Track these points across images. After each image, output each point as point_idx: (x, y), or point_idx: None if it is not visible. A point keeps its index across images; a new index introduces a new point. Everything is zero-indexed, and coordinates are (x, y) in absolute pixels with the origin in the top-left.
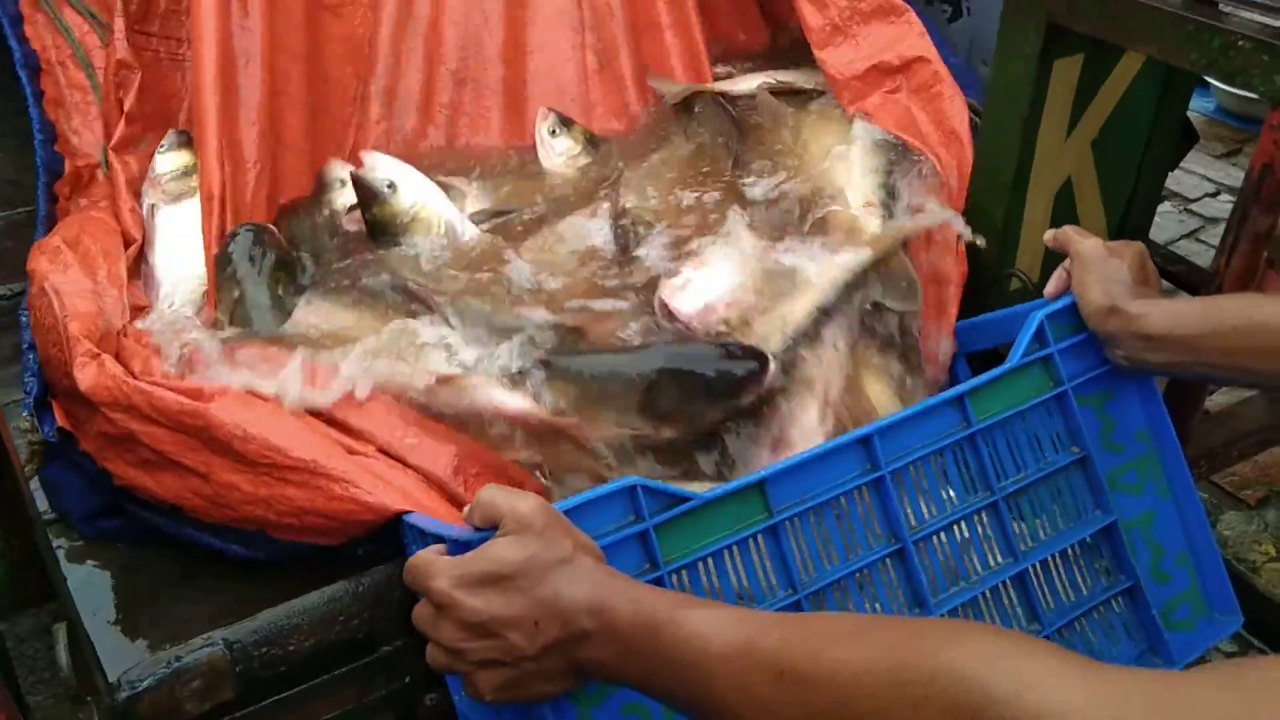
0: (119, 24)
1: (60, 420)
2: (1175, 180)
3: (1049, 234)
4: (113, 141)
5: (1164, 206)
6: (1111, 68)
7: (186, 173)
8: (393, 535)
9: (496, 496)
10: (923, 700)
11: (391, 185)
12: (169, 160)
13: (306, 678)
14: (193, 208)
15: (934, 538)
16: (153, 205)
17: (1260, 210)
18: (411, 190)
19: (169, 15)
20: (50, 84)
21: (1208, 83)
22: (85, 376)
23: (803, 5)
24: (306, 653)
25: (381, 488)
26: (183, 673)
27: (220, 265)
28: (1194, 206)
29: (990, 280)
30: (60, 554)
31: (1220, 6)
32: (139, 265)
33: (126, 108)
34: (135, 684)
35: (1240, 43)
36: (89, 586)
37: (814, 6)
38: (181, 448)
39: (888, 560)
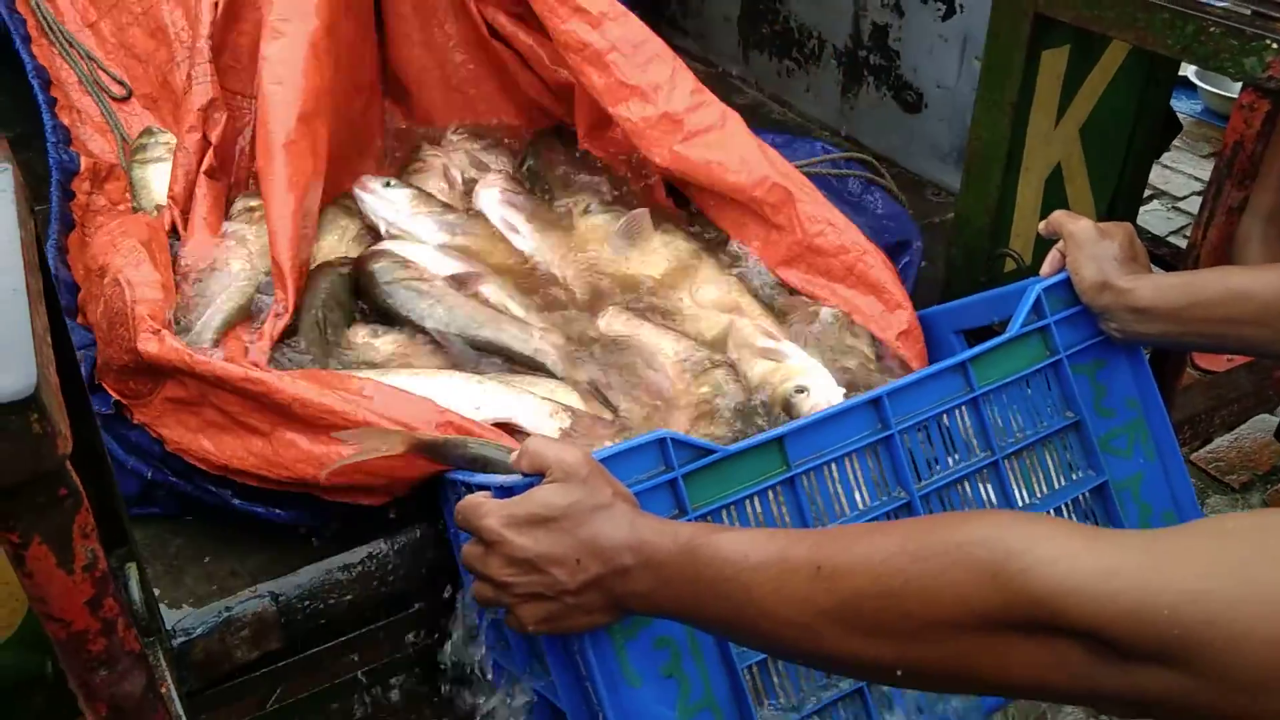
0: (209, 69)
1: (114, 395)
2: (1164, 179)
3: (1041, 224)
4: (204, 167)
5: (1153, 204)
6: (1096, 59)
7: (251, 209)
8: (427, 499)
9: (544, 446)
10: (950, 565)
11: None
12: (241, 202)
13: (344, 631)
14: (244, 246)
15: (939, 493)
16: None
17: (1232, 185)
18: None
19: (230, 72)
20: (60, 93)
21: (1195, 85)
22: (150, 347)
23: None
24: (345, 607)
25: None
26: (232, 622)
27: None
28: (1182, 204)
29: (984, 260)
30: None
31: None
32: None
33: (215, 141)
34: (190, 631)
35: (1211, 28)
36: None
37: None
38: (247, 409)
39: (896, 513)
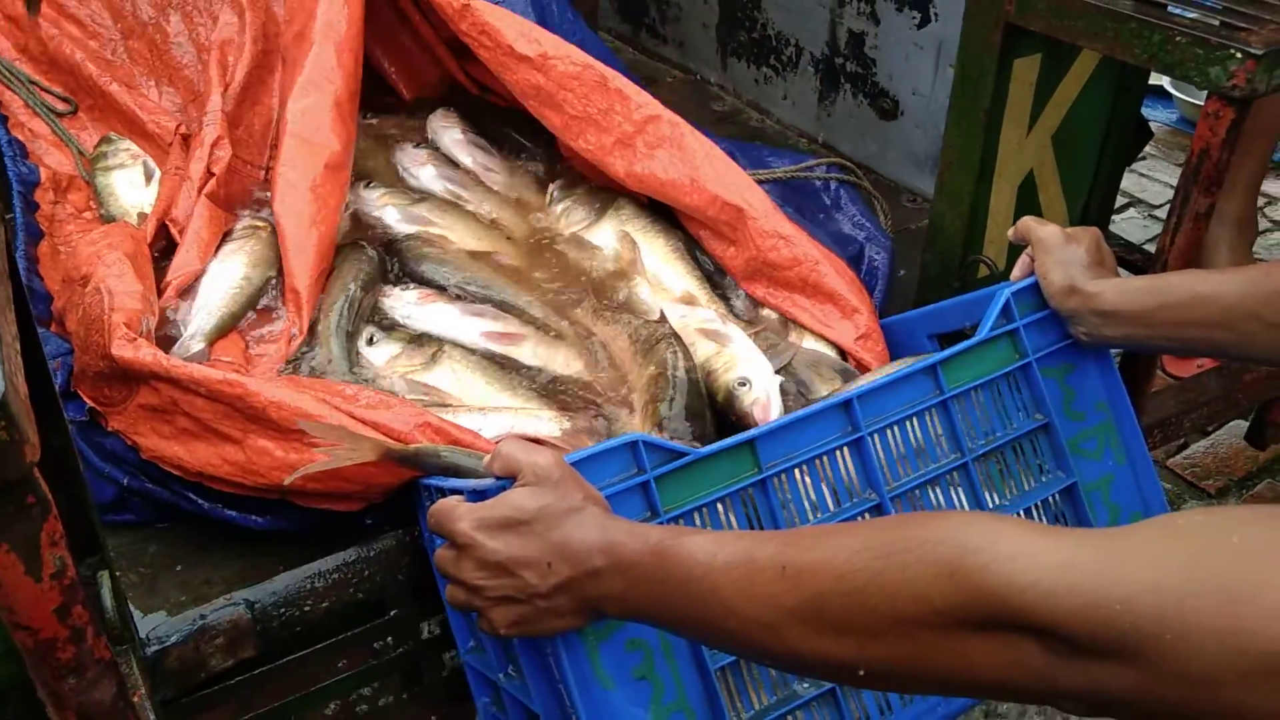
0: (220, 115)
1: (89, 402)
2: (1140, 187)
3: (1010, 230)
4: (205, 190)
5: (1129, 212)
6: (1067, 67)
7: (255, 228)
8: (402, 505)
9: (516, 450)
10: (912, 562)
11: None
12: (245, 220)
13: (322, 638)
14: (242, 256)
15: (909, 494)
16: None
17: (1199, 192)
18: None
19: (242, 143)
20: (9, 113)
21: (1170, 95)
22: (124, 353)
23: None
24: (322, 614)
25: None
26: (207, 630)
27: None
28: (1157, 212)
29: (958, 265)
30: None
31: (1167, 7)
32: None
33: (216, 172)
34: (163, 639)
35: (1178, 38)
36: (111, 552)
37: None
38: (219, 415)
39: (867, 514)
